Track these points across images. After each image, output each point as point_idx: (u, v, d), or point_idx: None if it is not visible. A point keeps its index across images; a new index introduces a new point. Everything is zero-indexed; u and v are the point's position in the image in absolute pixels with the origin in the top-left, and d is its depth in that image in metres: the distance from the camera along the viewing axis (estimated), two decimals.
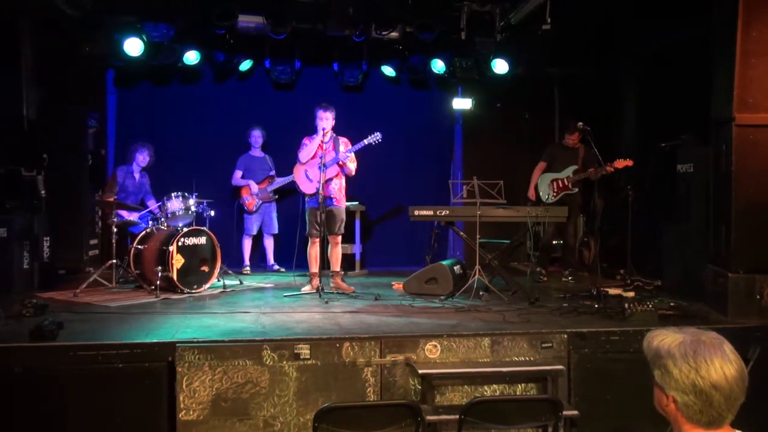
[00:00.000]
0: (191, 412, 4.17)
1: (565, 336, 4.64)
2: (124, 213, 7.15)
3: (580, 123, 6.30)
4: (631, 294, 6.18)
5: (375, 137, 6.47)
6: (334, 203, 6.52)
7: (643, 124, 7.84)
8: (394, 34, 7.77)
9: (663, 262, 6.69)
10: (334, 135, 6.58)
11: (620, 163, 6.83)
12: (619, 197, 7.35)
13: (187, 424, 4.16)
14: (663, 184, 6.95)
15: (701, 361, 1.65)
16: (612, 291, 6.21)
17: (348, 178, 6.71)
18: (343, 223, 6.65)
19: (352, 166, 6.56)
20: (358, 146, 6.48)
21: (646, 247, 6.99)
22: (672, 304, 5.57)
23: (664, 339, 1.74)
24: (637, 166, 7.14)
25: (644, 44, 7.65)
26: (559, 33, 7.00)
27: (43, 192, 6.42)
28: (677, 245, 6.43)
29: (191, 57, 8.02)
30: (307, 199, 6.59)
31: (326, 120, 6.48)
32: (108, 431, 4.11)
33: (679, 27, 6.80)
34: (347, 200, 6.89)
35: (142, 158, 7.52)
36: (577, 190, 7.34)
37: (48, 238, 6.72)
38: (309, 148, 6.50)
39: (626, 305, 5.22)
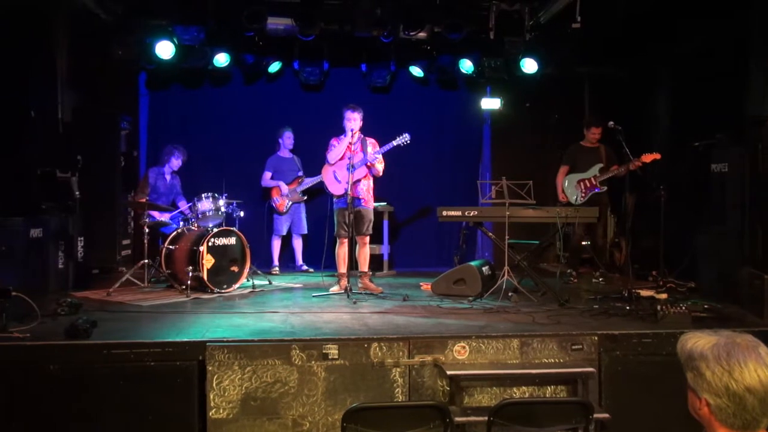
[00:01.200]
0: (221, 411, 4.21)
1: (596, 338, 4.58)
2: (155, 214, 7.25)
3: (611, 122, 6.21)
4: (664, 296, 6.06)
5: (403, 138, 6.47)
6: (363, 204, 6.53)
7: (676, 123, 7.71)
8: (422, 35, 7.76)
9: (697, 264, 6.56)
10: (362, 136, 6.60)
11: (648, 157, 6.73)
12: (651, 197, 7.24)
13: (218, 422, 4.21)
14: (697, 184, 6.83)
15: (735, 364, 1.62)
16: (644, 292, 6.11)
17: (376, 179, 6.72)
18: (371, 224, 6.67)
19: (380, 167, 6.57)
20: (386, 148, 6.49)
21: (679, 249, 6.87)
22: (706, 306, 5.46)
23: (698, 341, 1.71)
24: (670, 166, 7.02)
25: (677, 43, 7.52)
26: (590, 31, 6.92)
27: (77, 193, 6.54)
28: (712, 246, 6.31)
29: (221, 59, 8.12)
30: (335, 199, 6.61)
31: (354, 121, 6.50)
32: (140, 428, 4.17)
33: (712, 25, 6.67)
34: (375, 201, 6.90)
35: (177, 162, 7.63)
36: (605, 189, 7.26)
37: (82, 239, 6.86)
38: (338, 150, 6.53)
39: (658, 307, 5.13)
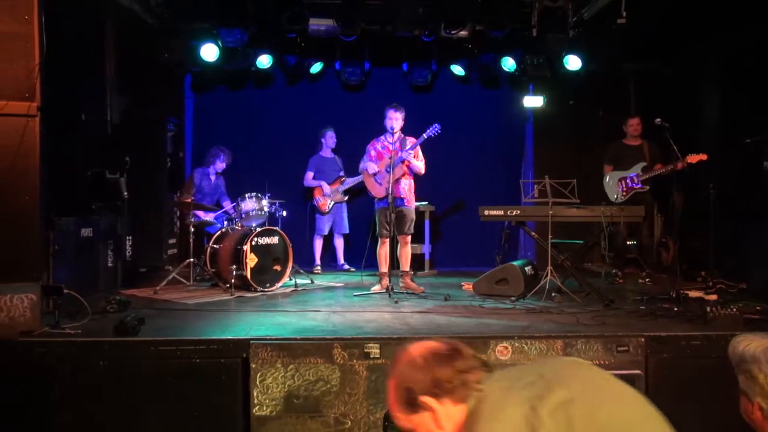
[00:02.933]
0: (265, 408, 4.26)
1: (643, 340, 4.48)
2: (200, 213, 7.38)
3: (658, 119, 6.07)
4: (714, 297, 5.90)
5: (434, 129, 6.44)
6: (404, 203, 6.53)
7: (725, 119, 7.49)
8: (463, 33, 7.70)
9: (749, 264, 6.37)
10: (402, 135, 6.59)
11: (693, 158, 6.55)
12: (699, 196, 7.05)
13: (261, 419, 4.25)
14: (748, 181, 6.63)
15: None
16: (692, 293, 5.94)
17: (417, 178, 6.71)
18: (413, 223, 6.66)
19: (419, 164, 6.55)
20: (418, 141, 6.48)
21: (729, 248, 6.68)
22: (758, 307, 5.30)
23: (750, 343, 1.66)
24: (720, 163, 6.83)
25: (726, 37, 7.32)
26: (636, 27, 6.77)
27: (125, 193, 6.70)
28: (765, 246, 6.12)
29: (264, 61, 8.23)
30: (377, 199, 6.63)
31: (397, 120, 6.51)
32: (186, 423, 4.24)
33: (763, 18, 6.47)
34: (417, 200, 6.89)
35: (222, 165, 7.76)
36: (648, 188, 7.10)
37: (130, 238, 7.03)
38: (373, 165, 6.55)
39: (708, 308, 5.00)
